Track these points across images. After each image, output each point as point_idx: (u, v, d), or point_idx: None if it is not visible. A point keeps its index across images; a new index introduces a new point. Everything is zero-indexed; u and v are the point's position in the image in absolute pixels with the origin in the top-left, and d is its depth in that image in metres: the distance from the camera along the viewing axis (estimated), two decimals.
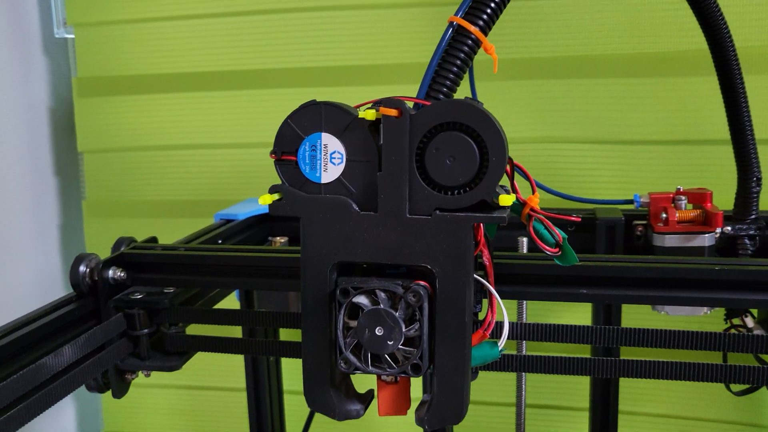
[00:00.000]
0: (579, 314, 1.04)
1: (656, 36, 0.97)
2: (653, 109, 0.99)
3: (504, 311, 0.54)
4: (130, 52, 1.17)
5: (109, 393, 1.28)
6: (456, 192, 0.48)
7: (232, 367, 1.18)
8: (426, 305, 0.49)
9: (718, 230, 0.80)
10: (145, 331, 0.63)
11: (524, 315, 0.85)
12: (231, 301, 0.88)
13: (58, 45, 1.23)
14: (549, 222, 0.51)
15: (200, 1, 1.13)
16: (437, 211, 0.48)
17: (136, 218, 1.21)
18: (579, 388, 1.05)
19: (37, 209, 1.22)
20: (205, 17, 1.14)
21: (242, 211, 0.96)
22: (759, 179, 0.80)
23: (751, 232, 0.82)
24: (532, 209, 0.52)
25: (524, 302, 0.85)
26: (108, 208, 1.23)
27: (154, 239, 0.73)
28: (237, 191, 1.14)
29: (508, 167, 0.52)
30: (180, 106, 1.17)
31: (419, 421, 0.51)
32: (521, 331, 0.57)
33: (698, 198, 0.81)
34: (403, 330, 0.49)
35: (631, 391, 1.05)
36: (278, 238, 0.97)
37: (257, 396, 1.02)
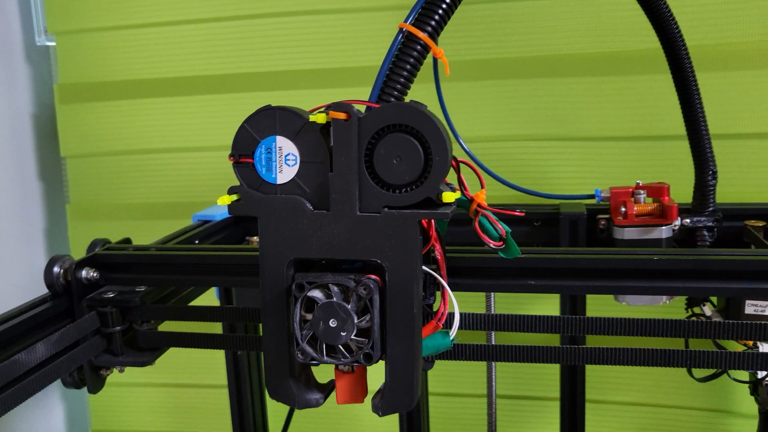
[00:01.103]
0: (547, 308, 1.07)
1: (617, 36, 1.00)
2: (615, 107, 1.01)
3: (455, 303, 0.56)
4: (109, 59, 1.19)
5: (97, 394, 1.31)
6: (403, 190, 0.51)
7: (216, 365, 1.21)
8: (376, 297, 0.52)
9: (677, 222, 0.82)
10: (118, 328, 0.65)
11: (492, 307, 0.88)
12: (211, 299, 0.90)
13: (39, 53, 1.26)
14: (493, 217, 0.54)
15: (177, 8, 1.15)
16: (386, 209, 0.51)
17: (119, 221, 1.23)
18: (549, 379, 1.08)
19: (22, 214, 1.25)
20: (183, 23, 1.16)
21: (219, 212, 0.98)
22: (714, 173, 0.83)
23: (709, 224, 0.85)
24: (478, 205, 0.54)
25: (492, 295, 0.88)
26: (91, 211, 1.25)
27: (128, 240, 0.75)
28: (217, 193, 1.15)
29: (455, 164, 0.55)
30: (160, 111, 1.20)
31: (374, 408, 0.54)
32: (476, 322, 0.60)
33: (656, 192, 0.83)
34: (355, 321, 0.52)
35: (599, 380, 1.08)
36: (255, 237, 0.99)
37: (239, 392, 1.05)
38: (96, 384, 0.68)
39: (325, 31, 1.12)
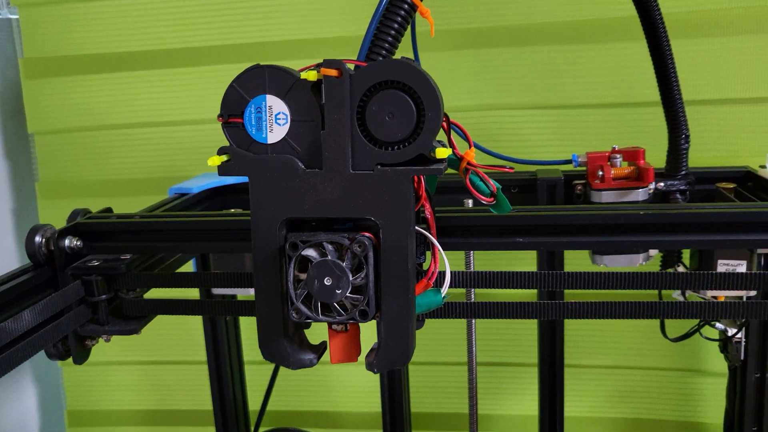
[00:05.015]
0: (525, 268, 1.08)
1: (592, 3, 1.01)
2: (590, 74, 1.03)
3: (446, 261, 0.57)
4: (76, 32, 1.17)
5: (70, 372, 1.29)
6: (396, 147, 0.51)
7: (193, 341, 1.20)
8: (371, 255, 0.52)
9: (652, 186, 0.84)
10: (103, 296, 0.64)
11: (471, 265, 0.88)
12: (187, 270, 0.89)
13: (2, 26, 1.22)
14: (483, 173, 0.54)
15: None
16: (378, 166, 0.51)
17: (90, 198, 1.21)
18: (527, 345, 1.10)
19: None
20: None
21: (196, 184, 0.97)
22: (687, 137, 0.85)
23: (682, 187, 0.87)
24: (468, 163, 0.55)
25: (471, 253, 0.88)
26: (62, 188, 1.23)
27: (109, 210, 0.74)
28: (191, 167, 1.15)
29: (444, 124, 0.56)
30: (130, 85, 1.17)
31: (369, 365, 0.54)
32: (464, 279, 0.60)
33: (632, 155, 0.85)
34: (351, 279, 0.52)
35: (575, 345, 1.10)
36: (232, 210, 0.99)
37: (218, 367, 1.04)
38: (81, 354, 0.67)
39: (298, 1, 1.11)
